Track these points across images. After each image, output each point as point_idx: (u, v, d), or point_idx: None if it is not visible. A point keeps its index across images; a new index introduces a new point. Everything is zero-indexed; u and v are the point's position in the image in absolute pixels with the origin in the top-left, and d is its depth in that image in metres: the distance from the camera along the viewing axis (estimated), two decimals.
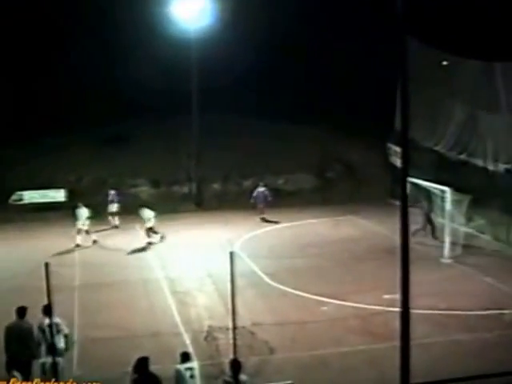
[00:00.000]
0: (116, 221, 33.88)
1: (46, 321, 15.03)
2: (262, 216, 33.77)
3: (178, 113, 39.56)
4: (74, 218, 30.20)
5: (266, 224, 33.18)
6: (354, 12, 42.92)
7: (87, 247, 29.63)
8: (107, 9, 43.39)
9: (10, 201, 35.71)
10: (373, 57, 41.95)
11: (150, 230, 30.35)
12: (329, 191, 39.20)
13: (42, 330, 15.28)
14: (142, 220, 30.40)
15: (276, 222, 33.28)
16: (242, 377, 12.97)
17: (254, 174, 39.56)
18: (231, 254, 13.76)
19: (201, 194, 38.24)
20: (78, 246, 29.49)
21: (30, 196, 36.30)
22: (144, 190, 40.22)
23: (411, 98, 12.24)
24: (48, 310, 14.51)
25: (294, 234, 31.16)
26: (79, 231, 29.92)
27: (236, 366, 12.94)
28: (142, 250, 29.08)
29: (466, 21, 40.72)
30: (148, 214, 30.53)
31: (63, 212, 35.15)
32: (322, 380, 15.04)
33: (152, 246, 29.42)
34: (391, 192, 32.35)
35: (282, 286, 22.75)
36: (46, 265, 12.50)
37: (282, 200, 36.74)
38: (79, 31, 43.77)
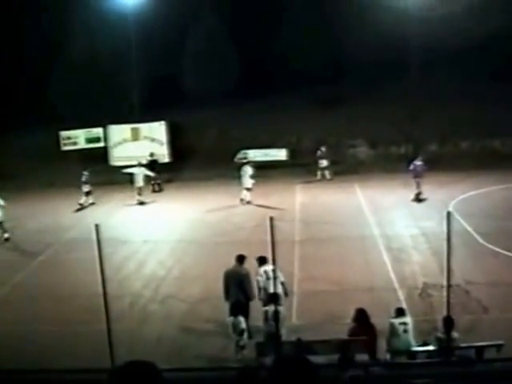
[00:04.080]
0: (319, 176, 35.88)
1: (263, 268, 16.47)
2: (418, 191, 30.22)
3: (395, 75, 39.58)
4: (241, 178, 31.38)
5: (477, 185, 31.44)
6: None
7: (307, 204, 30.59)
8: None
9: (236, 159, 37.06)
10: None
11: None
12: None
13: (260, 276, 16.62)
14: None
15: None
16: (454, 334, 13.31)
17: (471, 135, 38.84)
18: (448, 213, 13.76)
19: (417, 155, 38.09)
20: (248, 202, 30.71)
21: (254, 154, 37.88)
22: (362, 151, 40.71)
23: None
24: (263, 261, 16.39)
25: (507, 197, 29.80)
26: (248, 189, 31.04)
27: (449, 323, 13.30)
28: (356, 206, 29.51)
29: None
30: None
31: (284, 171, 36.94)
32: None
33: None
34: None
35: (494, 247, 22.41)
36: (271, 219, 13.24)
37: (497, 162, 35.64)
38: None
